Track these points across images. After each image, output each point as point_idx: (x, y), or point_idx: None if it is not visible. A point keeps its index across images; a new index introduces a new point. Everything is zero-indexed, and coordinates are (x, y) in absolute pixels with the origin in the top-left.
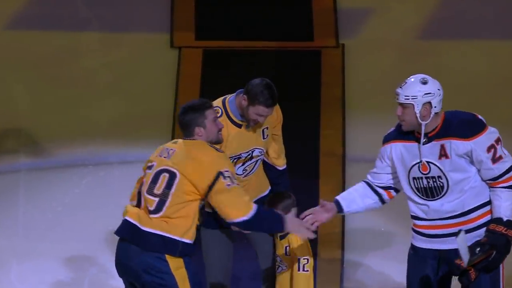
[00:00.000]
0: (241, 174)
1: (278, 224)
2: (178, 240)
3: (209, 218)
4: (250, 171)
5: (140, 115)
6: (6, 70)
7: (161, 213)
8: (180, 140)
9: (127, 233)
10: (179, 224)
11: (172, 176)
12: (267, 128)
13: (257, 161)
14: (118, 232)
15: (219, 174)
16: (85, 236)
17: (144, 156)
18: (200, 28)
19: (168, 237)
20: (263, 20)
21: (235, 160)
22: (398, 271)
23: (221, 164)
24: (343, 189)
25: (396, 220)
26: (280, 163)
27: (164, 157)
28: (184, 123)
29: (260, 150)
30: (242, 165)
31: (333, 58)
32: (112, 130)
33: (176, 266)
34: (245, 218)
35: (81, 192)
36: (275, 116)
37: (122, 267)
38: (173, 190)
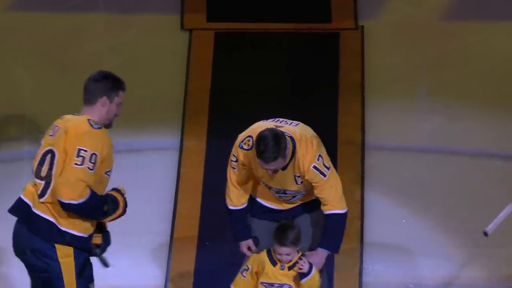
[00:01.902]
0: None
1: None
2: (65, 231)
3: (255, 207)
4: (288, 199)
5: (149, 100)
6: (8, 53)
7: (45, 197)
8: (68, 116)
9: (20, 212)
10: (65, 213)
11: (53, 156)
12: (298, 176)
13: (294, 196)
14: (11, 210)
15: (78, 150)
16: None
17: (153, 144)
18: (211, 9)
19: (55, 225)
20: (277, 0)
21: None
22: (419, 265)
23: (84, 142)
24: (362, 179)
25: (418, 212)
26: (324, 209)
27: (50, 135)
28: (94, 88)
29: (292, 192)
30: (276, 192)
31: (352, 41)
32: (119, 116)
33: (65, 254)
34: (74, 201)
35: None
36: (299, 168)
37: (16, 246)
38: (53, 171)
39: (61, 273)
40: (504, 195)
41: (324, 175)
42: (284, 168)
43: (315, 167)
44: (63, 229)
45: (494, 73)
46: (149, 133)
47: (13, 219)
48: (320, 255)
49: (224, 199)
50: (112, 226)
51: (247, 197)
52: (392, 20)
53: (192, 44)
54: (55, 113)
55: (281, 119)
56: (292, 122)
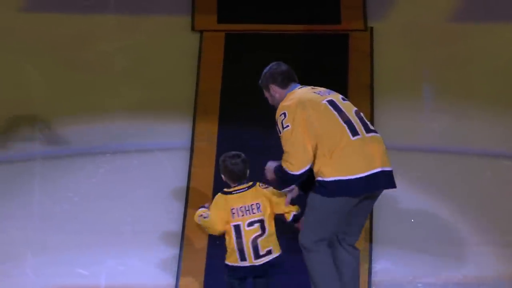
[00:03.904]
0: None
1: None
2: None
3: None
4: None
5: (160, 101)
6: (20, 54)
7: None
8: None
9: None
10: None
11: None
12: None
13: None
14: None
15: None
16: (102, 227)
17: (164, 145)
18: (222, 11)
19: None
20: (288, 2)
21: None
22: (428, 264)
23: None
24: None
25: (427, 212)
26: None
27: None
28: None
29: None
30: None
31: (361, 42)
32: (130, 117)
33: None
34: None
35: (98, 181)
36: None
37: None
38: None
39: None
40: (511, 195)
41: (279, 131)
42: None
43: (276, 120)
44: None
45: (501, 74)
46: (160, 134)
47: (24, 218)
48: (267, 169)
49: None
50: (123, 225)
51: None
52: (401, 21)
53: (202, 45)
54: (66, 113)
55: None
56: (330, 92)
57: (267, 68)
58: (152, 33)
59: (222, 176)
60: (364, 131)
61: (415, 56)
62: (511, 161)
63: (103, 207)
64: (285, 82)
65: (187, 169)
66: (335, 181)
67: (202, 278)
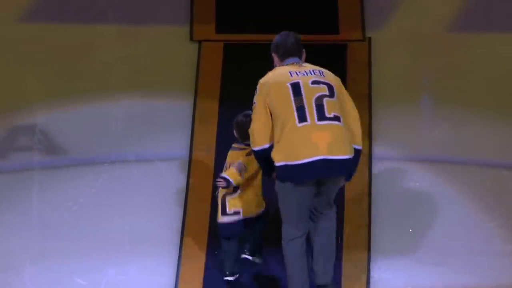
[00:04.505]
0: None
1: None
2: None
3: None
4: None
5: (158, 111)
6: (20, 64)
7: None
8: None
9: None
10: None
11: None
12: None
13: None
14: None
15: None
16: (101, 236)
17: (163, 154)
18: (221, 21)
19: None
20: (286, 12)
21: None
22: (427, 274)
23: None
24: (370, 188)
25: (426, 221)
26: None
27: None
28: None
29: None
30: None
31: (359, 52)
32: (129, 127)
33: None
34: None
35: (98, 191)
36: None
37: None
38: None
39: None
40: (511, 205)
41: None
42: None
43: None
44: None
45: (500, 84)
46: (159, 144)
47: (23, 227)
48: None
49: None
50: (122, 235)
51: None
52: (399, 31)
53: (201, 55)
54: (66, 123)
55: (317, 71)
56: (315, 72)
57: (278, 36)
58: (151, 43)
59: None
60: (316, 118)
61: (414, 66)
62: (510, 172)
63: (102, 216)
64: (284, 56)
65: (186, 178)
66: (281, 166)
67: (200, 287)
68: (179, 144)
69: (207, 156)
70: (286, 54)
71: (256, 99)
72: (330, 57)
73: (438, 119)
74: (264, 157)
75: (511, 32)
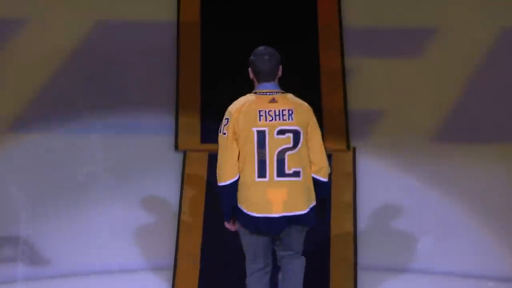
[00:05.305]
0: None
1: None
2: None
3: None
4: None
5: (144, 221)
6: (4, 174)
7: None
8: None
9: None
10: None
11: None
12: None
13: None
14: None
15: None
16: None
17: (147, 264)
18: (205, 132)
19: None
20: None
21: None
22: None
23: None
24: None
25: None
26: None
27: None
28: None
29: None
30: None
31: (343, 162)
32: (114, 238)
33: None
34: None
35: None
36: None
37: None
38: None
39: None
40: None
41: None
42: None
43: None
44: None
45: (485, 193)
46: (145, 251)
47: None
48: None
49: None
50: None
51: None
52: (384, 141)
53: (186, 163)
54: (51, 234)
55: (286, 111)
56: (284, 113)
57: (258, 51)
58: (136, 153)
59: None
60: (275, 175)
61: (398, 176)
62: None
63: None
64: (260, 79)
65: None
66: (239, 208)
67: None
68: (162, 251)
69: (192, 264)
70: (264, 79)
71: (225, 129)
72: None
73: (422, 231)
74: (232, 193)
75: (495, 142)
